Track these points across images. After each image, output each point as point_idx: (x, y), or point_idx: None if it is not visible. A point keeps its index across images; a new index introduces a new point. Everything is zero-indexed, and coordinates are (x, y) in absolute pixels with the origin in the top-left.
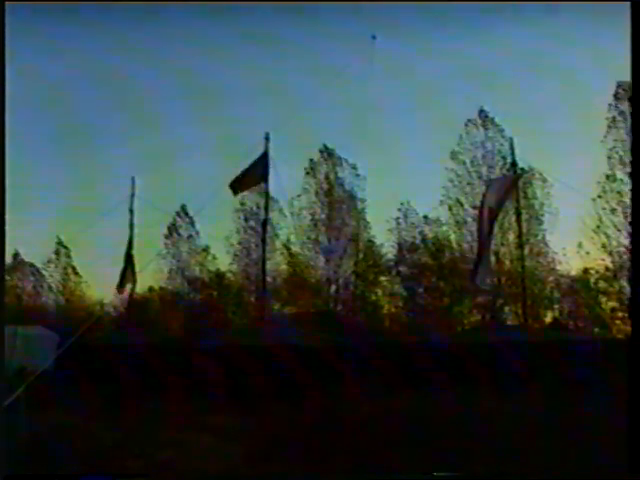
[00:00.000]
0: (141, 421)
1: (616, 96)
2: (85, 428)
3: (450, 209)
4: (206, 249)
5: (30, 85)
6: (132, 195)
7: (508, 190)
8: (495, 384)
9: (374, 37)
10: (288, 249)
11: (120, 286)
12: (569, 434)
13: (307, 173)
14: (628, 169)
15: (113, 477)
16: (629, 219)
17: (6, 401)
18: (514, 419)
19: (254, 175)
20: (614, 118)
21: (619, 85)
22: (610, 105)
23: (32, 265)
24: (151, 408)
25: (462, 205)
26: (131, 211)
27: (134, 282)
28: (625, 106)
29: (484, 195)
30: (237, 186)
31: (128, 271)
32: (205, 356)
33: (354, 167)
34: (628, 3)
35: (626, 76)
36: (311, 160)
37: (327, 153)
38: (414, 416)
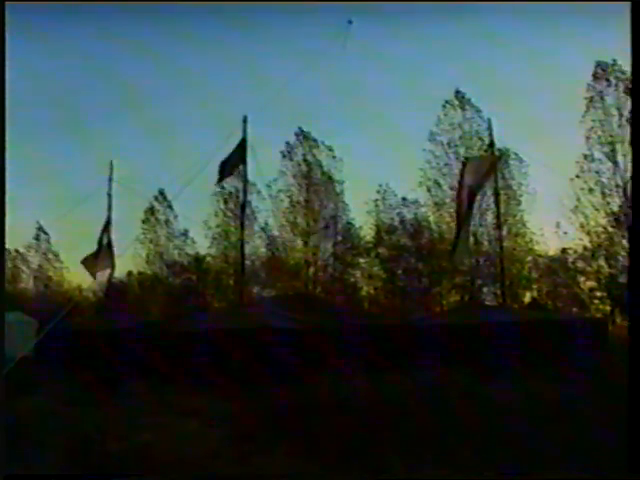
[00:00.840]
0: (121, 405)
1: (595, 76)
2: (65, 413)
3: (429, 190)
4: (185, 233)
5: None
6: (110, 179)
7: (488, 171)
8: (475, 364)
9: (350, 22)
10: (266, 232)
11: (90, 269)
12: (551, 412)
13: (284, 156)
14: (606, 149)
15: (113, 477)
16: (607, 198)
17: None
18: (495, 399)
19: (235, 162)
20: (592, 98)
21: (598, 65)
22: (588, 85)
23: (15, 251)
24: (131, 392)
25: (440, 186)
26: (109, 195)
27: (113, 267)
28: (603, 86)
29: (462, 175)
30: (220, 177)
31: (104, 255)
32: (185, 339)
33: (331, 149)
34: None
35: (602, 56)
36: (287, 143)
37: (303, 135)
38: (395, 397)
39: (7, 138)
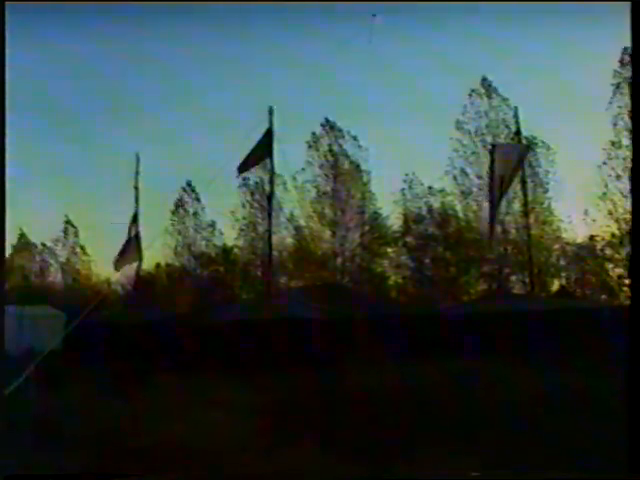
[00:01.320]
0: (151, 398)
1: (621, 62)
2: (94, 406)
3: (455, 179)
4: (212, 224)
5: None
6: (137, 173)
7: (518, 160)
8: (504, 354)
9: (374, 15)
10: (293, 223)
11: (117, 263)
12: (580, 403)
13: (310, 146)
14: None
15: (114, 477)
16: None
17: (16, 382)
18: (524, 388)
19: (260, 153)
20: (619, 84)
21: (624, 51)
22: (615, 71)
23: (42, 245)
24: (160, 384)
25: (467, 175)
26: (136, 188)
27: (140, 259)
28: (630, 72)
29: (492, 162)
30: (244, 167)
31: (132, 248)
32: (213, 331)
33: (356, 139)
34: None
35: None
36: (313, 133)
37: (329, 126)
38: (424, 386)
39: (10, 138)
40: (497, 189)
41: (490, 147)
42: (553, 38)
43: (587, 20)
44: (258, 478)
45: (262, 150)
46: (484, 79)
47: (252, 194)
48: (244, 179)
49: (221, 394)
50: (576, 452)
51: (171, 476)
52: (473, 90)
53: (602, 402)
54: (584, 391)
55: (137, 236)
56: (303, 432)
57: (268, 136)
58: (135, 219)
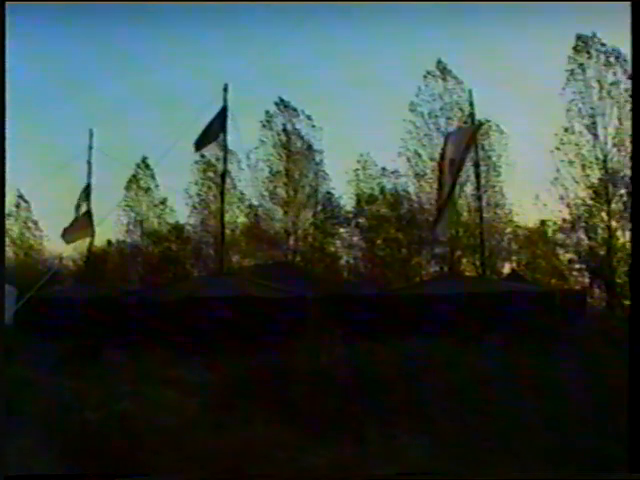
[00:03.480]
0: (99, 374)
1: (575, 48)
2: (43, 382)
3: (409, 161)
4: (163, 201)
5: None
6: (90, 147)
7: (469, 142)
8: (453, 335)
9: None
10: (246, 201)
11: (66, 236)
12: (528, 383)
13: (264, 126)
14: (586, 121)
15: (116, 477)
16: (587, 171)
17: None
18: (472, 369)
19: (214, 130)
20: (573, 71)
21: (578, 37)
22: (569, 57)
23: None
24: (110, 361)
25: (421, 157)
26: (89, 163)
27: (92, 235)
28: (584, 58)
29: (444, 147)
30: (200, 144)
31: (83, 223)
32: (164, 309)
33: (310, 118)
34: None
35: (582, 29)
36: (267, 112)
37: (283, 105)
38: (374, 366)
39: (7, 137)
40: (448, 173)
41: (445, 133)
42: (508, 23)
43: (542, 6)
44: (258, 478)
45: (217, 128)
46: (439, 62)
47: (205, 172)
48: (201, 156)
49: (171, 371)
50: (522, 430)
51: (171, 477)
52: (428, 72)
53: (548, 382)
54: (532, 372)
55: (89, 212)
56: (252, 410)
57: (222, 114)
58: (87, 194)
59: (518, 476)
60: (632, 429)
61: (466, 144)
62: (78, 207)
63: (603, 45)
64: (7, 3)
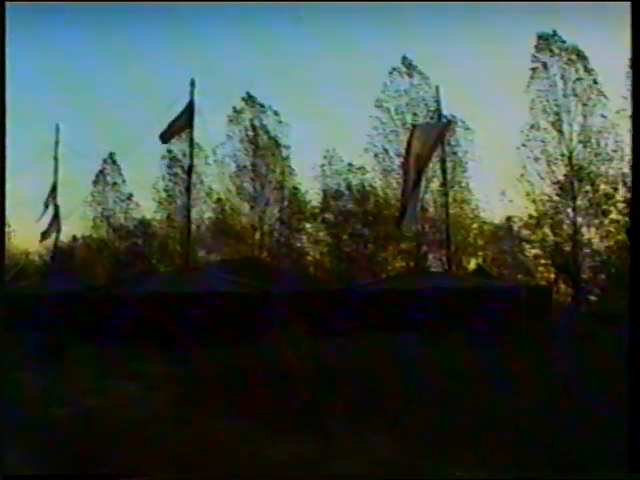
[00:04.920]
0: (66, 369)
1: (537, 47)
2: (7, 378)
3: (376, 156)
4: (130, 197)
5: None
6: (57, 143)
7: (437, 138)
8: (418, 330)
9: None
10: (213, 197)
11: (43, 236)
12: (490, 377)
13: (231, 121)
14: (551, 118)
15: (115, 477)
16: (552, 167)
17: None
18: (434, 364)
19: (181, 122)
20: (536, 69)
21: (539, 36)
22: (532, 56)
23: None
24: (77, 356)
25: (387, 152)
26: (56, 159)
27: (59, 230)
28: (546, 56)
29: (410, 142)
30: (166, 136)
31: (52, 219)
32: (129, 304)
33: (277, 114)
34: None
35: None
36: (234, 108)
37: (250, 100)
38: (338, 361)
39: (7, 136)
40: (414, 168)
41: (411, 126)
42: (472, 20)
43: (507, 4)
44: (258, 478)
45: (183, 122)
46: (404, 58)
47: (171, 167)
48: (168, 151)
49: (137, 366)
50: (486, 425)
51: (171, 476)
52: (393, 69)
53: (513, 378)
54: (497, 367)
55: (56, 207)
56: (216, 404)
57: (189, 108)
58: (54, 190)
59: (518, 476)
60: (632, 429)
61: (434, 141)
62: (47, 203)
63: (564, 42)
64: (7, 3)
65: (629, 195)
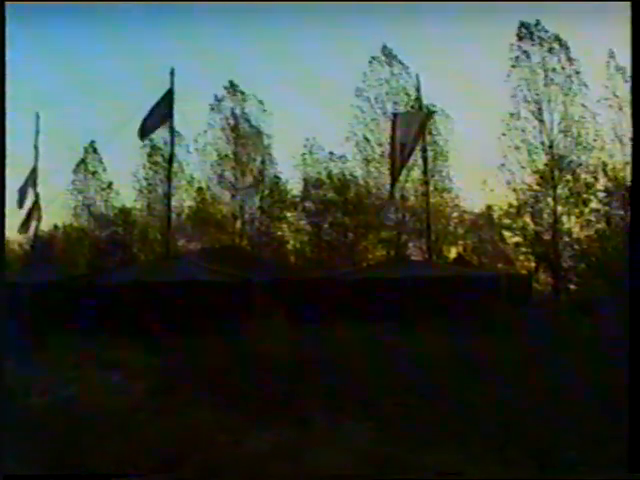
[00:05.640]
0: (45, 358)
1: (519, 35)
2: None
3: (357, 145)
4: (109, 185)
5: None
6: (37, 132)
7: (420, 127)
8: (398, 319)
9: None
10: (193, 185)
11: (23, 226)
12: (469, 367)
13: (212, 109)
14: (532, 107)
15: (114, 477)
16: (533, 156)
17: None
18: (415, 353)
19: (160, 114)
20: (517, 57)
21: (522, 25)
22: (513, 44)
23: None
24: (57, 345)
25: (369, 141)
26: (36, 147)
27: (39, 219)
28: (528, 45)
29: (393, 129)
30: (145, 130)
31: (32, 209)
32: (111, 293)
33: (260, 102)
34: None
35: (526, 16)
36: (216, 96)
37: (233, 89)
38: (319, 350)
39: (7, 139)
40: (398, 157)
41: (392, 115)
42: (454, 9)
43: None
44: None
45: (163, 111)
46: (385, 47)
47: (152, 155)
48: (149, 139)
49: (116, 355)
50: (465, 414)
51: (171, 476)
52: (373, 58)
53: (493, 366)
54: (477, 356)
55: (36, 195)
56: (197, 393)
57: (169, 97)
58: (34, 179)
59: (518, 476)
60: (632, 429)
61: (417, 131)
62: (23, 191)
63: (546, 32)
64: (7, 3)
65: (609, 184)
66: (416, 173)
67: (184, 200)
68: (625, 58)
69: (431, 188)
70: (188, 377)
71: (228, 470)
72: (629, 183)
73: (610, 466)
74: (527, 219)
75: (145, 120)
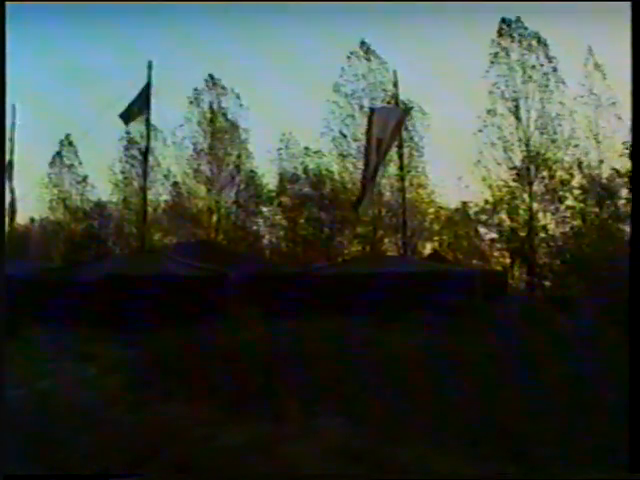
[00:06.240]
0: (20, 352)
1: (499, 32)
2: None
3: (334, 140)
4: (85, 178)
5: None
6: (13, 125)
7: (398, 123)
8: (372, 314)
9: None
10: (169, 179)
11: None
12: (442, 362)
13: (191, 102)
14: (509, 104)
15: (114, 477)
16: (509, 153)
17: None
18: (390, 348)
19: (138, 107)
20: (496, 54)
21: (502, 21)
22: (493, 40)
23: None
24: (31, 338)
25: (345, 137)
26: (12, 140)
27: (14, 212)
28: (507, 42)
29: (369, 124)
30: (127, 116)
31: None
32: (86, 286)
33: (238, 97)
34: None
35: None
36: (195, 89)
37: (212, 83)
38: (294, 344)
39: (6, 136)
40: (375, 152)
41: (368, 110)
42: (432, 5)
43: None
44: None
45: (141, 105)
46: (362, 42)
47: (128, 149)
48: (126, 132)
49: (91, 349)
50: (442, 409)
51: (171, 476)
52: (351, 53)
53: (468, 361)
54: (451, 351)
55: (11, 189)
56: (172, 387)
57: (146, 90)
58: (10, 172)
59: (517, 476)
60: (632, 429)
61: (394, 127)
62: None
63: (526, 29)
64: (7, 3)
65: (585, 182)
66: (392, 169)
67: (160, 194)
68: (602, 56)
69: (407, 184)
70: (163, 371)
71: (201, 464)
72: (602, 179)
73: (583, 461)
74: (503, 215)
75: (127, 110)
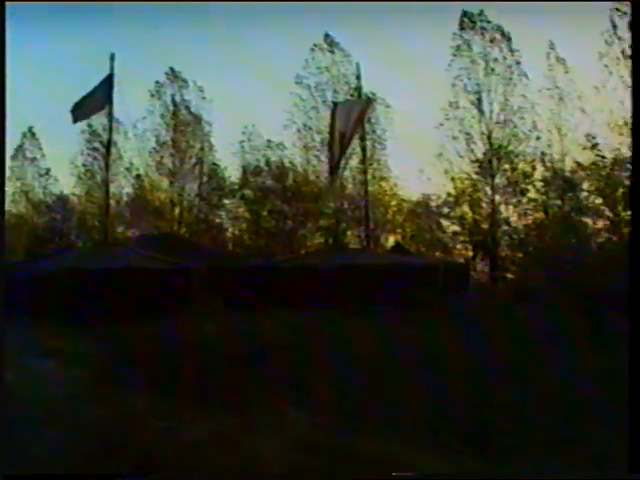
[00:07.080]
0: None
1: (461, 25)
2: None
3: (299, 132)
4: (47, 171)
5: None
6: None
7: (359, 116)
8: (335, 306)
9: None
10: (132, 172)
11: None
12: (408, 354)
13: (152, 95)
14: (472, 96)
15: (113, 477)
16: (471, 146)
17: None
18: (353, 340)
19: (99, 99)
20: (459, 46)
21: (464, 14)
22: (455, 33)
23: None
24: None
25: (309, 129)
26: None
27: None
28: (470, 35)
29: (333, 118)
30: (79, 113)
31: None
32: (47, 279)
33: (201, 89)
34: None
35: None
36: (157, 82)
37: (174, 75)
38: (257, 336)
39: (7, 137)
40: (338, 145)
41: (332, 103)
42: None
43: None
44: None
45: (102, 97)
46: (326, 35)
47: (91, 142)
48: (88, 125)
49: (53, 343)
50: (403, 402)
51: (171, 476)
52: (315, 45)
53: (430, 353)
54: (413, 343)
55: None
56: (134, 380)
57: (108, 82)
58: None
59: (517, 476)
60: (632, 429)
61: (356, 120)
62: None
63: (489, 22)
64: (7, 3)
65: (547, 174)
66: (354, 161)
67: (123, 187)
68: (564, 49)
69: (369, 176)
70: (125, 364)
71: (164, 457)
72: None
73: (542, 453)
74: (465, 208)
75: (80, 103)
